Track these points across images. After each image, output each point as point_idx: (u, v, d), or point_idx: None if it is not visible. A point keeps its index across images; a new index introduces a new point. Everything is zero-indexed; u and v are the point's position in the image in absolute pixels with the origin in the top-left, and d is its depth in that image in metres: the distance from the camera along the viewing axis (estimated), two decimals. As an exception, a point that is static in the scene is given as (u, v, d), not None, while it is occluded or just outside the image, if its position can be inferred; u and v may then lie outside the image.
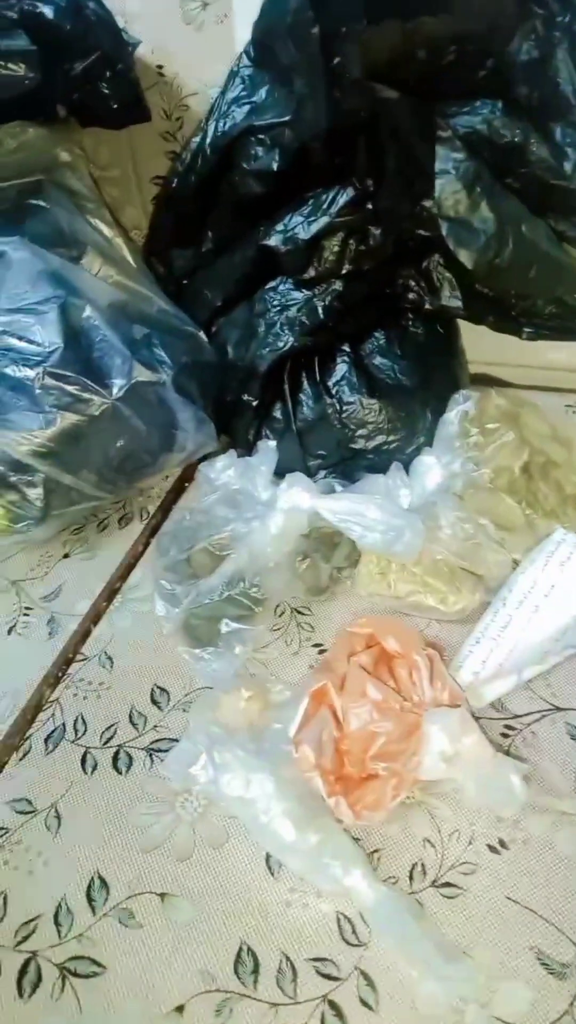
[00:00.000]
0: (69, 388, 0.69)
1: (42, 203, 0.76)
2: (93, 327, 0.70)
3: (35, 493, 0.71)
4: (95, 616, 0.70)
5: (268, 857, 0.51)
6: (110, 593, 0.72)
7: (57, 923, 0.49)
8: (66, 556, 0.77)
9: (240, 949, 0.47)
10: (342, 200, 0.70)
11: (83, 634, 0.68)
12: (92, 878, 0.51)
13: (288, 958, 0.46)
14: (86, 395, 0.69)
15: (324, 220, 0.70)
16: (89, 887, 0.51)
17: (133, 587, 0.72)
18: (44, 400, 0.69)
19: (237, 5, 0.81)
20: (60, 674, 0.65)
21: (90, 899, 0.50)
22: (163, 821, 0.53)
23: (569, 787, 0.52)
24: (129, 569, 0.75)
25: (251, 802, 0.49)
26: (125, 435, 0.73)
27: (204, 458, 0.81)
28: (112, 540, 0.78)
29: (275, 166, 0.70)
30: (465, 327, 0.83)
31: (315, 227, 0.70)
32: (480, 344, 0.85)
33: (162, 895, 0.50)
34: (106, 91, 0.79)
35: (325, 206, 0.71)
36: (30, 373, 0.68)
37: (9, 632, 0.69)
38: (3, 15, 0.69)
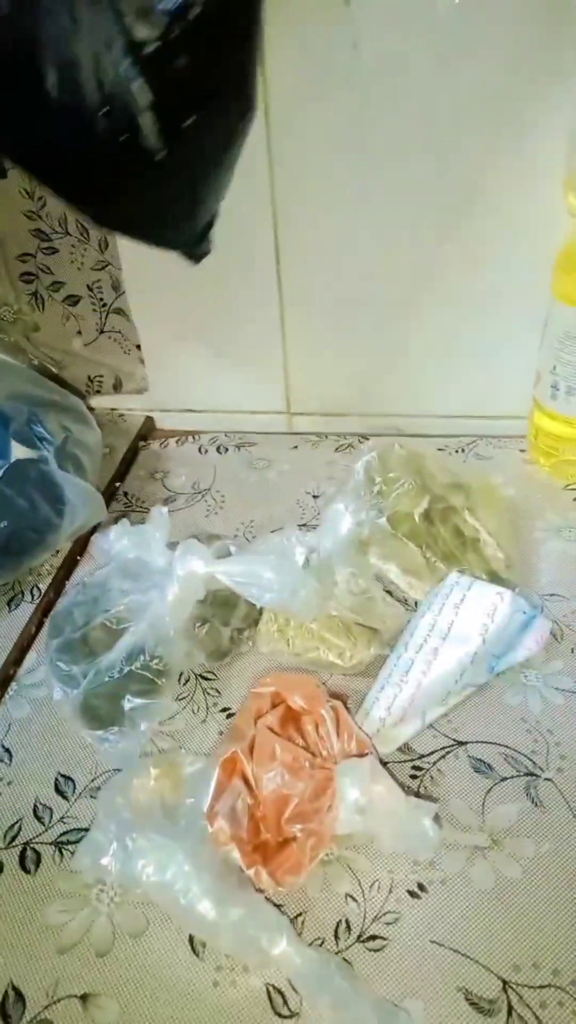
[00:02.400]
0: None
1: None
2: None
3: None
4: (-12, 708, 0.67)
5: (192, 939, 0.49)
6: (3, 681, 0.69)
7: (-30, 1050, 0.46)
8: (-47, 645, 0.73)
9: (171, 1042, 0.45)
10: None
11: (-23, 729, 0.65)
12: (5, 990, 0.48)
13: (222, 1041, 0.45)
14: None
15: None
16: (3, 1002, 0.48)
17: (28, 671, 0.70)
18: None
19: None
20: (-44, 776, 0.62)
21: (5, 1016, 0.47)
22: (79, 917, 0.51)
23: (477, 820, 0.54)
24: (23, 653, 0.72)
25: (168, 886, 0.48)
26: (9, 516, 0.71)
27: (94, 529, 0.80)
28: (1, 624, 0.75)
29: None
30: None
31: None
32: (384, 395, 0.90)
33: (83, 996, 0.48)
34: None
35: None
36: None
37: None
38: None
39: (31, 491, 0.73)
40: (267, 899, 0.49)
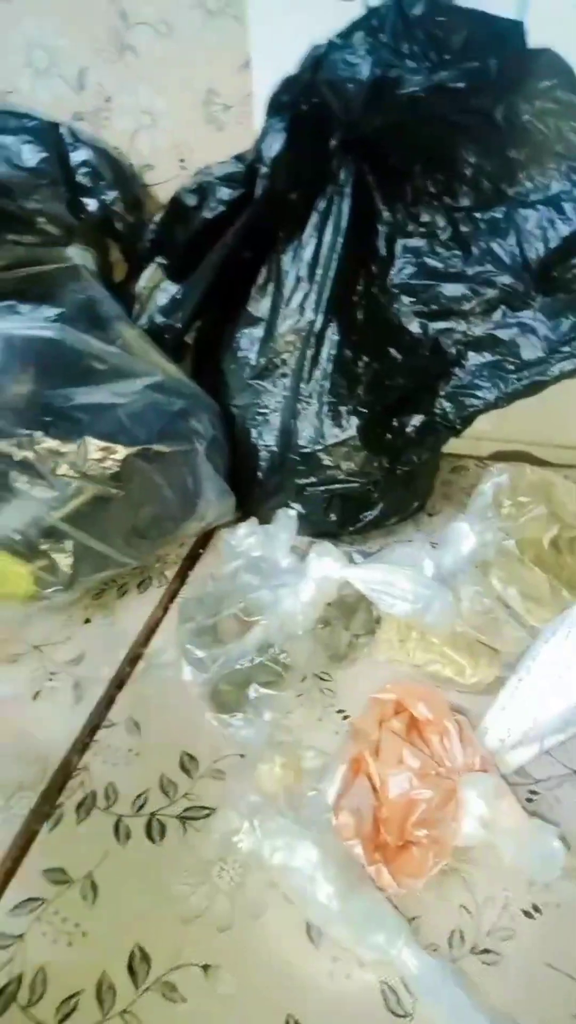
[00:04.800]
0: (106, 455, 0.71)
1: (76, 287, 0.80)
2: (134, 398, 0.74)
3: (64, 559, 0.72)
4: (119, 681, 0.71)
5: (309, 927, 0.51)
6: (133, 658, 0.73)
7: (99, 999, 0.49)
8: (87, 621, 0.78)
9: (290, 1022, 0.47)
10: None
11: (109, 700, 0.69)
12: (133, 950, 0.51)
13: (336, 1029, 0.47)
14: (121, 462, 0.72)
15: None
16: (130, 960, 0.51)
17: (156, 652, 0.74)
18: (81, 465, 0.71)
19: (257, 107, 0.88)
20: (88, 740, 0.66)
21: (132, 972, 0.50)
22: (200, 891, 0.54)
23: (596, 851, 0.54)
24: (150, 634, 0.76)
25: (296, 871, 0.50)
26: (155, 502, 0.75)
27: (214, 528, 0.84)
28: (132, 605, 0.79)
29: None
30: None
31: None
32: (516, 422, 0.90)
33: (204, 967, 0.50)
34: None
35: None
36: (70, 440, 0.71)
37: (35, 697, 0.70)
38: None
39: (177, 481, 0.77)
40: (387, 899, 0.51)
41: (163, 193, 0.93)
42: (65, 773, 0.63)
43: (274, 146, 0.72)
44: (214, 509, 0.82)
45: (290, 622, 0.64)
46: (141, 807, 0.60)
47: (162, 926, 0.52)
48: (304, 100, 0.71)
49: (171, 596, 0.81)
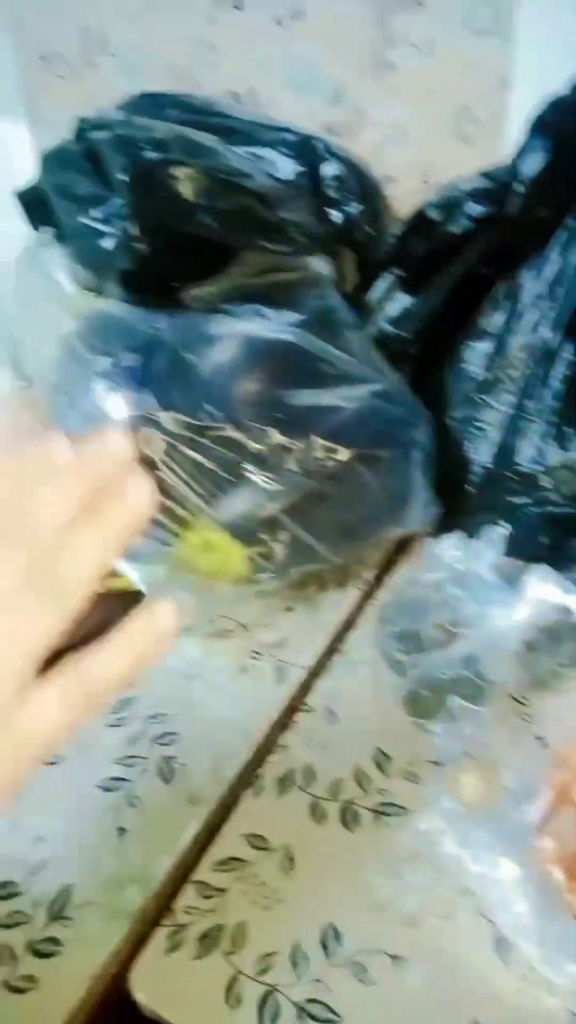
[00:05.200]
0: (329, 454, 0.75)
1: (316, 294, 0.85)
2: (359, 403, 0.77)
3: (279, 548, 0.77)
4: (317, 670, 0.75)
5: (498, 940, 0.52)
6: (330, 651, 0.77)
7: (293, 963, 0.52)
8: (288, 609, 0.82)
9: (475, 1027, 0.48)
10: None
11: (306, 686, 0.73)
12: (326, 926, 0.54)
13: (523, 1048, 0.47)
14: (342, 463, 0.75)
15: None
16: (323, 934, 0.54)
17: (352, 648, 0.77)
18: (306, 462, 0.76)
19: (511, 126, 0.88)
20: (287, 720, 0.70)
21: (324, 946, 0.53)
22: (391, 884, 0.56)
23: None
24: (347, 630, 0.79)
25: (496, 883, 0.51)
26: (367, 505, 0.78)
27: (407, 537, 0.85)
28: (331, 600, 0.83)
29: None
30: None
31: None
32: None
33: (393, 956, 0.52)
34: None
35: None
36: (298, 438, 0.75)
37: (241, 672, 0.75)
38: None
39: (390, 487, 0.79)
40: (584, 930, 0.50)
41: (402, 206, 0.95)
42: (267, 747, 0.67)
43: (534, 165, 0.72)
44: (418, 518, 0.84)
45: (499, 640, 0.65)
46: (336, 793, 0.63)
47: (354, 910, 0.55)
48: (568, 122, 0.70)
49: (367, 596, 0.83)
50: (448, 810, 0.55)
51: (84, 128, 0.97)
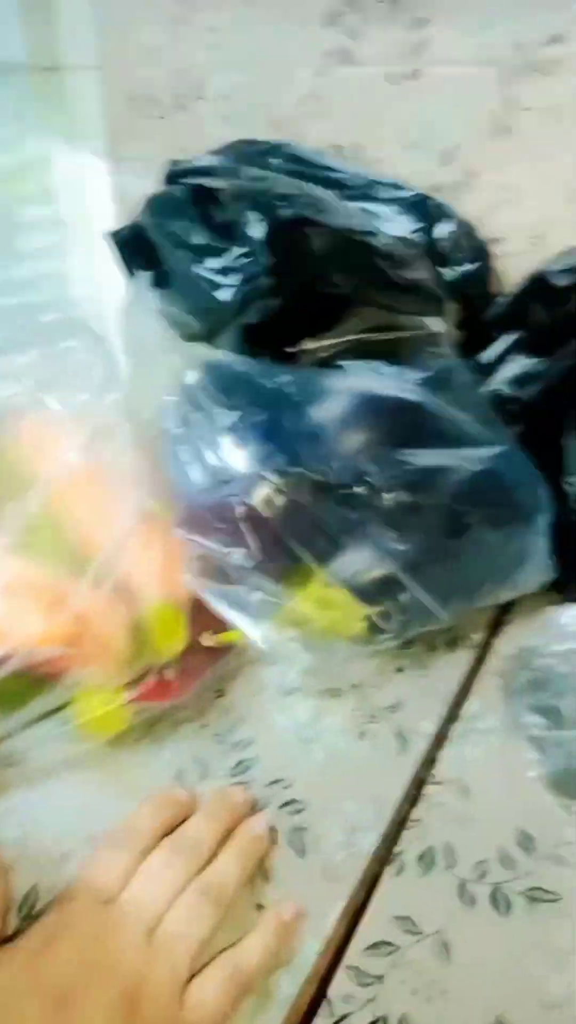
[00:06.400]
0: (456, 515, 0.74)
1: (434, 352, 0.84)
2: (482, 465, 0.76)
3: (398, 609, 0.75)
4: (440, 738, 0.72)
5: None
6: (450, 717, 0.75)
7: (466, 1064, 0.50)
8: (399, 670, 0.80)
9: None
10: None
11: (432, 756, 0.71)
12: (495, 1021, 0.51)
13: None
14: (467, 522, 0.75)
15: None
16: (496, 1030, 0.51)
17: (473, 716, 0.75)
18: (430, 521, 0.74)
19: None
20: (416, 793, 0.67)
21: (498, 1045, 0.50)
22: (562, 979, 0.53)
23: None
24: (464, 695, 0.77)
25: None
26: (487, 566, 0.77)
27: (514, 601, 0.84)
28: (442, 662, 0.81)
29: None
30: None
31: None
32: None
33: (572, 1060, 0.50)
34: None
35: None
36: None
37: (360, 736, 0.72)
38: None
39: (510, 550, 0.78)
40: None
41: (509, 267, 0.96)
42: (401, 822, 0.65)
43: None
44: (532, 581, 0.83)
45: None
46: (483, 875, 0.60)
47: (524, 1005, 0.52)
48: None
49: (479, 660, 0.82)
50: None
51: (180, 172, 0.97)
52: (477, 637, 0.84)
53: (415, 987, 0.53)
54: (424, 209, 0.92)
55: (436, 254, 0.91)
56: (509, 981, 0.54)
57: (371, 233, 0.81)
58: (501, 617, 0.88)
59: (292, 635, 0.78)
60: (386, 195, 0.93)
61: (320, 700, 0.77)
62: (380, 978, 0.54)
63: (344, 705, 0.76)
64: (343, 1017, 0.52)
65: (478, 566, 0.79)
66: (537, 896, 0.59)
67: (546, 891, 0.59)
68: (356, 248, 0.79)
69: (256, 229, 0.79)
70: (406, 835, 0.64)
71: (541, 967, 0.54)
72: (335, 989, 0.53)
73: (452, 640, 0.84)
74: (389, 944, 0.56)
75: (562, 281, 0.82)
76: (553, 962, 0.54)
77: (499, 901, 0.58)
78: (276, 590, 0.76)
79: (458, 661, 0.81)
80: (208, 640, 0.74)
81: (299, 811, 0.65)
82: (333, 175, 0.97)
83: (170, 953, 0.45)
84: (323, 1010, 0.52)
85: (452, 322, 0.94)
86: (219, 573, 0.73)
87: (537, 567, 0.82)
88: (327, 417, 0.76)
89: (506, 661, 0.80)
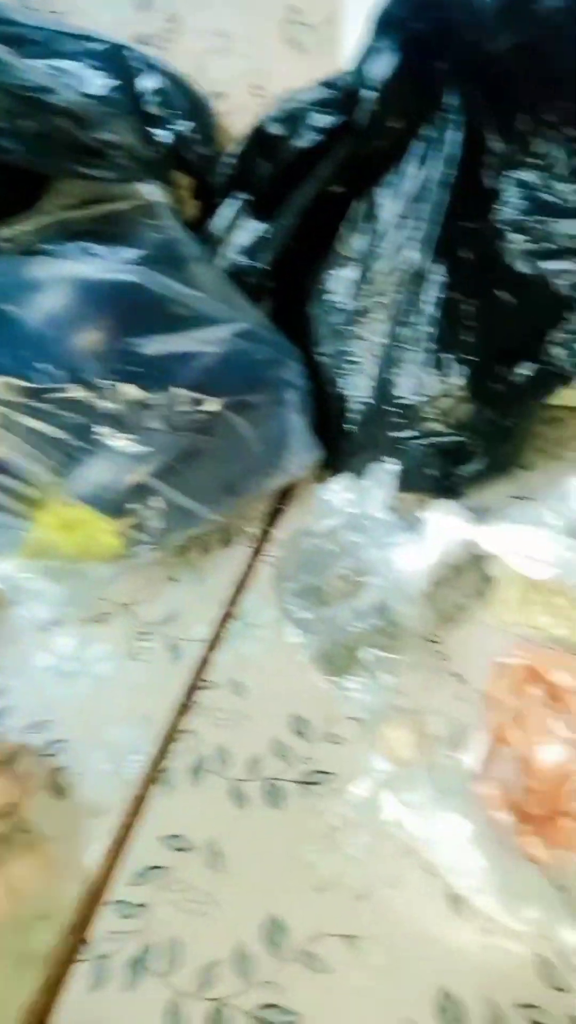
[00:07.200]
0: (195, 406, 0.68)
1: (153, 226, 0.75)
2: (222, 346, 0.69)
3: (154, 516, 0.69)
4: (214, 641, 0.68)
5: (449, 897, 0.49)
6: (226, 618, 0.70)
7: (238, 968, 0.47)
8: (172, 580, 0.75)
9: (441, 994, 0.45)
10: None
11: (205, 660, 0.66)
12: (268, 920, 0.49)
13: (495, 1003, 0.45)
14: (211, 414, 0.68)
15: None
16: (266, 929, 0.49)
17: (249, 611, 0.71)
18: (170, 417, 0.67)
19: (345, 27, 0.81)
20: (189, 702, 0.63)
21: (270, 942, 0.48)
22: (330, 859, 0.52)
23: None
24: (240, 593, 0.73)
25: (441, 839, 0.47)
26: (245, 456, 0.72)
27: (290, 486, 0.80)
28: (217, 563, 0.76)
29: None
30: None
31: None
32: None
33: (347, 937, 0.48)
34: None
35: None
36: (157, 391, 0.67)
37: (131, 657, 0.67)
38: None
39: (267, 434, 0.73)
40: (536, 870, 0.48)
41: (234, 123, 0.87)
42: (171, 735, 0.61)
43: (383, 68, 0.66)
44: (300, 463, 0.78)
45: (405, 583, 0.61)
46: (256, 771, 0.57)
47: (296, 895, 0.50)
48: (419, 16, 0.65)
49: (256, 553, 0.77)
50: (379, 769, 0.51)
51: None
52: (253, 530, 0.79)
53: (184, 906, 0.50)
54: (122, 62, 0.81)
55: (144, 113, 0.80)
56: (282, 875, 0.51)
57: (47, 90, 0.69)
58: (280, 505, 0.83)
59: (38, 567, 0.71)
60: (74, 48, 0.80)
61: (84, 628, 0.70)
62: (145, 906, 0.50)
63: (112, 628, 0.70)
64: (106, 956, 0.48)
65: (235, 456, 0.73)
66: (312, 780, 0.56)
67: (322, 772, 0.57)
68: (29, 108, 0.67)
69: None
70: (176, 748, 0.60)
71: (312, 852, 0.52)
72: (98, 928, 0.49)
73: (227, 538, 0.79)
74: (157, 868, 0.52)
75: (277, 129, 0.74)
76: (323, 844, 0.52)
77: (273, 795, 0.56)
78: (10, 520, 0.67)
79: (234, 558, 0.77)
80: None
81: (59, 751, 0.59)
82: (11, 29, 0.83)
83: None
84: (83, 953, 0.48)
85: (178, 191, 0.85)
86: None
87: (301, 448, 0.77)
88: (29, 311, 0.66)
89: (279, 548, 0.76)
